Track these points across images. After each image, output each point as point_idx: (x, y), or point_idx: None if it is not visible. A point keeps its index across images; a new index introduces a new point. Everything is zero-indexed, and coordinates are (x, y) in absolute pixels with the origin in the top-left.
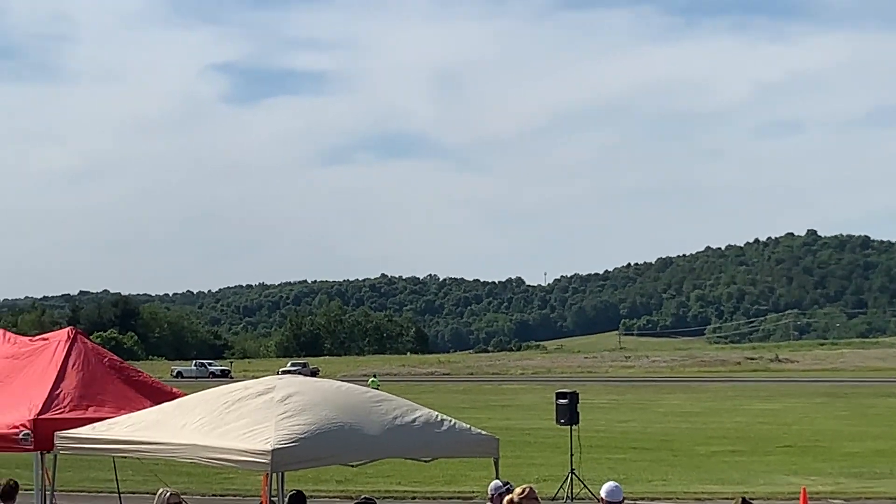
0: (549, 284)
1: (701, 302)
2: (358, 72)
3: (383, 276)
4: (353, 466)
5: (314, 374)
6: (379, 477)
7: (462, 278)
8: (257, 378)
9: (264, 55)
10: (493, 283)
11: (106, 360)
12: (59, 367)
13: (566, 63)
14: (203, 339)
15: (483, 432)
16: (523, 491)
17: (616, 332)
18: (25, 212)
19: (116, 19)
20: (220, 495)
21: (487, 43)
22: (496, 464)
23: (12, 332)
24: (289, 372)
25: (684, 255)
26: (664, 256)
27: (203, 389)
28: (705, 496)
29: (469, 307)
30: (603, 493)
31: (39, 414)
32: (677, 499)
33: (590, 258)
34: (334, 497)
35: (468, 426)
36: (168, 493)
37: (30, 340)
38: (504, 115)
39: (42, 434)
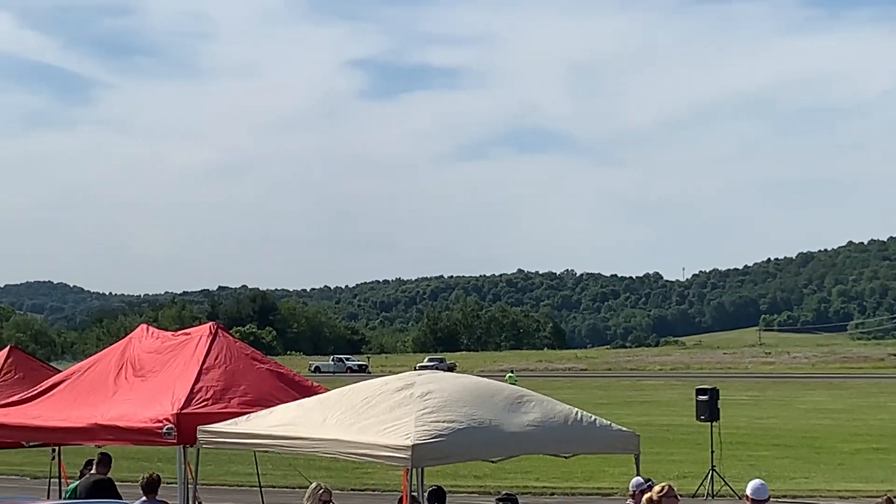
0: (687, 279)
1: (843, 297)
2: (493, 66)
3: (520, 271)
4: (492, 462)
5: (451, 369)
6: (517, 473)
7: (599, 273)
8: (394, 373)
9: (400, 51)
10: (631, 278)
11: (247, 354)
12: (201, 361)
13: (704, 56)
14: (340, 334)
15: (623, 428)
16: (662, 489)
17: (755, 327)
18: (165, 208)
19: (254, 16)
20: (359, 490)
21: (624, 36)
22: (637, 460)
23: (154, 326)
24: (426, 367)
25: (826, 250)
26: (805, 251)
27: (340, 384)
28: (849, 494)
29: (606, 302)
30: (749, 491)
31: (182, 408)
32: (820, 497)
33: (729, 253)
34: (472, 492)
35: (608, 422)
36: (321, 490)
37: (172, 335)
38: (641, 108)
39: (185, 428)
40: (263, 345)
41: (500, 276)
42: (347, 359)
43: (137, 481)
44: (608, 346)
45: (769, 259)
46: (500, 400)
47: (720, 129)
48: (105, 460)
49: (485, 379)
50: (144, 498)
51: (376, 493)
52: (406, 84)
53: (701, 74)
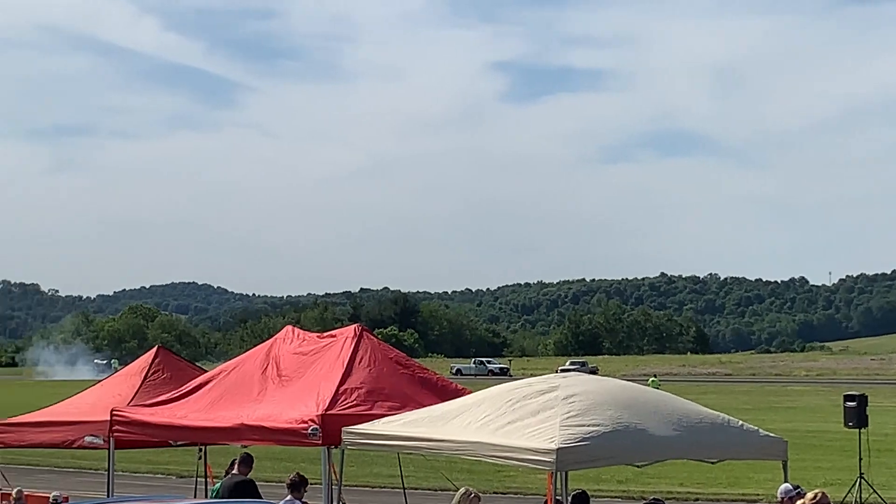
0: (833, 284)
1: None
2: (636, 68)
3: (663, 274)
4: (637, 467)
5: (593, 372)
6: (661, 478)
7: (744, 277)
8: (536, 376)
9: (542, 53)
10: (776, 282)
11: (391, 357)
12: (346, 363)
13: (852, 58)
14: (482, 336)
15: (771, 434)
16: (815, 496)
17: None
18: (308, 209)
19: (396, 19)
20: (502, 493)
21: (769, 37)
22: (785, 467)
23: (296, 328)
24: (568, 371)
25: None
26: None
27: (482, 387)
28: None
29: (751, 307)
30: None
31: (327, 409)
32: None
33: (877, 257)
34: (615, 497)
35: (755, 428)
36: (471, 495)
37: (317, 337)
38: (787, 110)
39: (329, 429)
40: (405, 347)
41: (643, 279)
42: (489, 361)
43: (281, 481)
44: (752, 351)
45: None
46: (645, 404)
47: (867, 130)
48: (247, 460)
49: (629, 382)
50: (289, 497)
51: (518, 496)
52: (548, 86)
53: (849, 76)
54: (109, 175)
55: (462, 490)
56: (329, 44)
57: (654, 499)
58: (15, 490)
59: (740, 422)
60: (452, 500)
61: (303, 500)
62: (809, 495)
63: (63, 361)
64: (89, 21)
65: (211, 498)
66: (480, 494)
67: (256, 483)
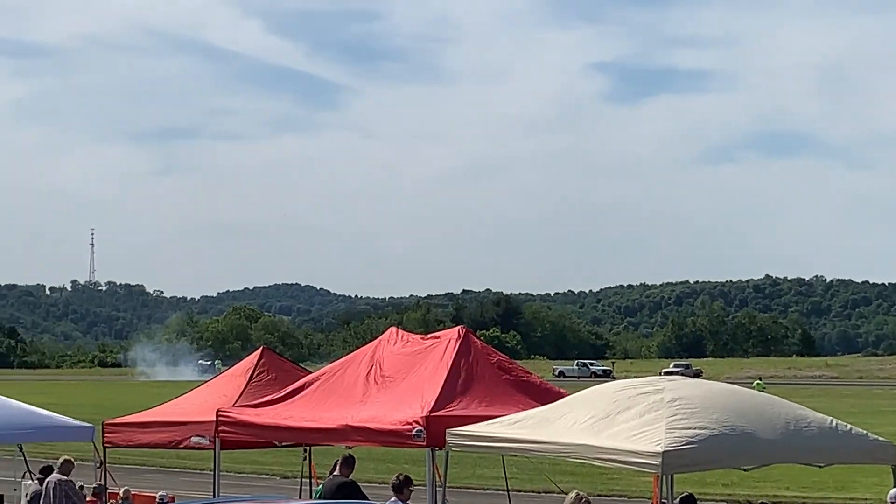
0: None
1: None
2: (740, 68)
3: (767, 276)
4: (744, 470)
5: (697, 375)
6: (767, 481)
7: (850, 279)
8: (640, 378)
9: (645, 54)
10: (884, 284)
11: (495, 359)
12: (450, 365)
13: None
14: (584, 338)
15: (880, 438)
16: None
17: None
18: (410, 211)
19: (497, 20)
20: (605, 495)
21: (875, 36)
22: (894, 471)
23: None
24: (671, 373)
25: None
26: None
27: (585, 389)
28: None
29: (857, 309)
30: None
31: (432, 411)
32: None
33: None
34: (721, 501)
35: (864, 431)
36: (583, 498)
37: (421, 339)
38: (894, 110)
39: (434, 431)
40: (507, 349)
41: (747, 281)
42: (591, 364)
43: (384, 483)
44: (859, 354)
45: None
46: (751, 407)
47: None
48: (349, 461)
49: (734, 385)
50: (394, 498)
51: (623, 498)
52: (650, 87)
53: None
54: (214, 177)
55: (573, 494)
56: (431, 45)
57: (761, 503)
58: (122, 490)
59: (848, 425)
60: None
61: (407, 501)
62: None
63: (167, 362)
64: (194, 24)
65: (316, 498)
66: (590, 498)
67: (359, 484)
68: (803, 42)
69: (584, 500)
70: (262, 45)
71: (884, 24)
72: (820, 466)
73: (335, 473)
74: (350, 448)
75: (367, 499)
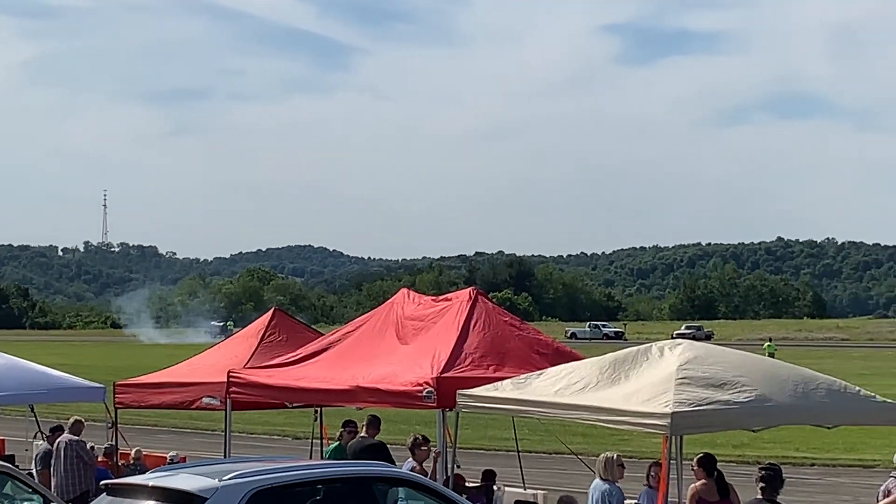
0: None
1: None
2: (752, 31)
3: (779, 238)
4: (753, 431)
5: (708, 337)
6: (776, 442)
7: (862, 242)
8: (651, 340)
9: (657, 15)
10: (895, 246)
11: (506, 320)
12: (461, 326)
13: None
14: (596, 300)
15: (888, 400)
16: None
17: None
18: (423, 173)
19: None
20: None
21: None
22: None
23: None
24: (683, 335)
25: None
26: None
27: (597, 351)
28: None
29: (869, 271)
30: None
31: (442, 372)
32: None
33: None
34: (731, 461)
35: (873, 394)
36: (615, 455)
37: (433, 300)
38: None
39: (444, 392)
40: (519, 310)
41: (759, 243)
42: (604, 325)
43: (396, 444)
44: (870, 316)
45: None
46: (759, 370)
47: None
48: (375, 422)
49: (743, 351)
50: (410, 459)
51: (633, 459)
52: (663, 49)
53: None
54: (227, 138)
55: (606, 454)
56: (443, 6)
57: (769, 464)
58: (134, 450)
59: (857, 387)
60: (596, 466)
61: (424, 461)
62: None
63: (180, 323)
64: None
65: (326, 459)
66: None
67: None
68: (816, 4)
69: (617, 455)
70: (273, 5)
71: None
72: (828, 428)
73: (362, 435)
74: (361, 409)
75: (393, 461)
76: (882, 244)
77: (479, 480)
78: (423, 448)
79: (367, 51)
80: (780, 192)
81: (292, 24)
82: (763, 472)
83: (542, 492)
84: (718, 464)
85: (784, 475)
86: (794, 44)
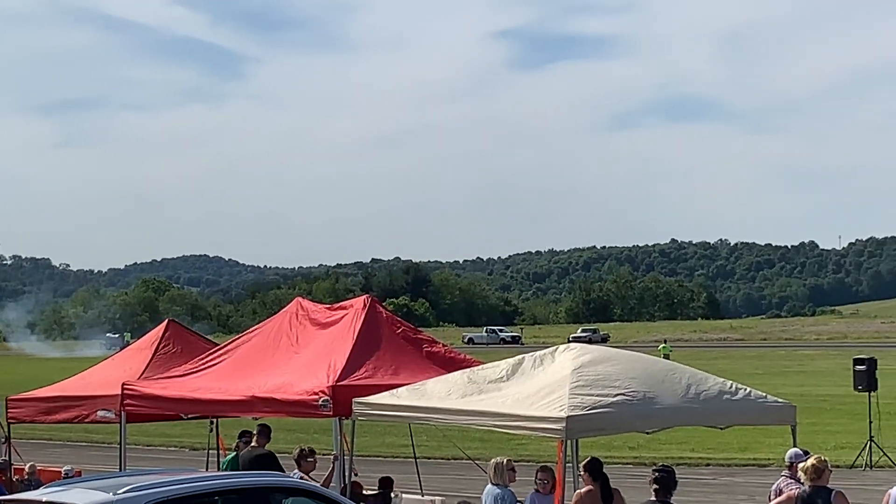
0: (843, 248)
1: None
2: (641, 35)
3: (673, 240)
4: (647, 433)
5: (604, 340)
6: (672, 444)
7: (754, 242)
8: (548, 344)
9: (547, 20)
10: (786, 247)
11: (400, 329)
12: (356, 335)
13: (862, 22)
14: (493, 305)
15: (779, 400)
16: (815, 462)
17: None
18: (318, 180)
19: None
20: (514, 461)
21: (776, 2)
22: (793, 431)
23: (308, 299)
24: (579, 338)
25: None
26: None
27: (494, 356)
28: None
29: (761, 272)
30: None
31: (338, 381)
32: None
33: (887, 221)
34: (627, 463)
35: (764, 394)
36: (506, 459)
37: (328, 309)
38: (796, 75)
39: (340, 400)
40: (416, 316)
41: (654, 245)
42: (501, 330)
43: (291, 454)
44: (763, 316)
45: None
46: (653, 373)
47: (878, 95)
48: (265, 431)
49: (637, 353)
50: (296, 469)
51: (531, 463)
52: (554, 54)
53: (859, 41)
54: (120, 148)
55: (497, 460)
56: (335, 14)
57: (662, 466)
58: (28, 465)
59: (748, 388)
60: (488, 471)
61: (310, 472)
62: (811, 461)
63: (74, 336)
64: None
65: (223, 469)
66: (514, 464)
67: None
68: (704, 8)
69: (507, 460)
70: (164, 15)
71: None
72: (721, 428)
73: (252, 444)
74: (258, 419)
75: (283, 470)
76: (774, 244)
77: (377, 488)
78: (309, 460)
79: (260, 59)
80: (673, 194)
81: (185, 33)
82: (656, 474)
83: (440, 498)
84: (615, 466)
85: (679, 476)
86: (682, 48)
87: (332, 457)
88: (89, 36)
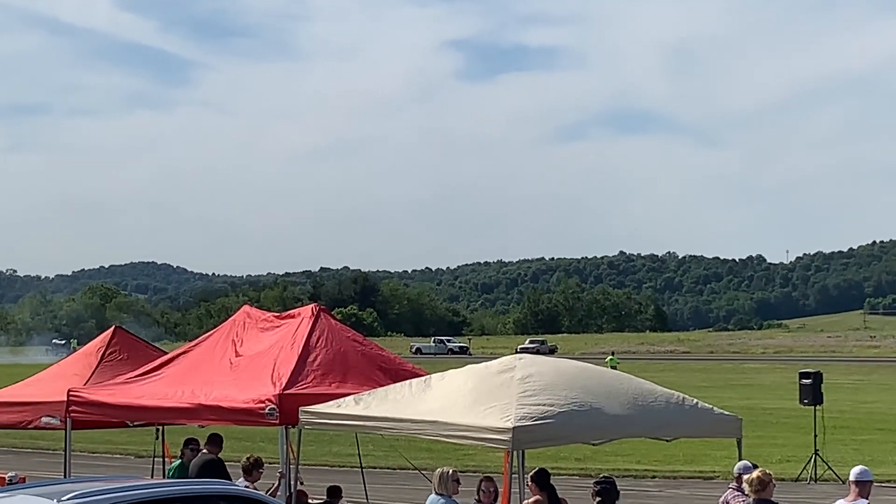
0: (791, 262)
1: None
2: (591, 47)
3: (622, 253)
4: (593, 444)
5: (552, 351)
6: (618, 455)
7: (702, 256)
8: (495, 354)
9: (497, 31)
10: (734, 260)
11: (349, 337)
12: (303, 343)
13: (806, 36)
14: (442, 315)
15: (725, 412)
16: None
17: (860, 311)
18: (267, 188)
19: None
20: (460, 472)
21: (723, 16)
22: (739, 444)
23: (255, 307)
24: (527, 349)
25: None
26: None
27: (441, 366)
28: None
29: (709, 285)
30: (852, 476)
31: (284, 389)
32: None
33: (833, 235)
34: (573, 475)
35: (710, 406)
36: (451, 470)
37: (275, 317)
38: (742, 89)
39: (287, 409)
40: (364, 326)
41: (602, 258)
42: (448, 340)
43: (239, 461)
44: (710, 329)
45: (874, 242)
46: (600, 384)
47: (824, 110)
48: (216, 440)
49: (585, 363)
50: (243, 479)
51: (477, 474)
52: (503, 65)
53: (803, 55)
54: (67, 154)
55: (441, 470)
56: (284, 22)
57: (603, 477)
58: None
59: (695, 400)
60: (433, 481)
61: (256, 482)
62: (755, 473)
63: (20, 342)
64: None
65: (169, 477)
66: (458, 476)
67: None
68: (652, 21)
69: (452, 471)
70: (112, 20)
71: (730, 5)
72: (667, 440)
73: (203, 451)
74: (203, 427)
75: (230, 478)
76: (721, 258)
77: (324, 497)
78: (260, 470)
79: (208, 66)
80: (622, 206)
81: (133, 39)
82: (598, 486)
83: None
84: (561, 477)
85: (625, 488)
86: (631, 61)
87: (278, 474)
88: (37, 41)
